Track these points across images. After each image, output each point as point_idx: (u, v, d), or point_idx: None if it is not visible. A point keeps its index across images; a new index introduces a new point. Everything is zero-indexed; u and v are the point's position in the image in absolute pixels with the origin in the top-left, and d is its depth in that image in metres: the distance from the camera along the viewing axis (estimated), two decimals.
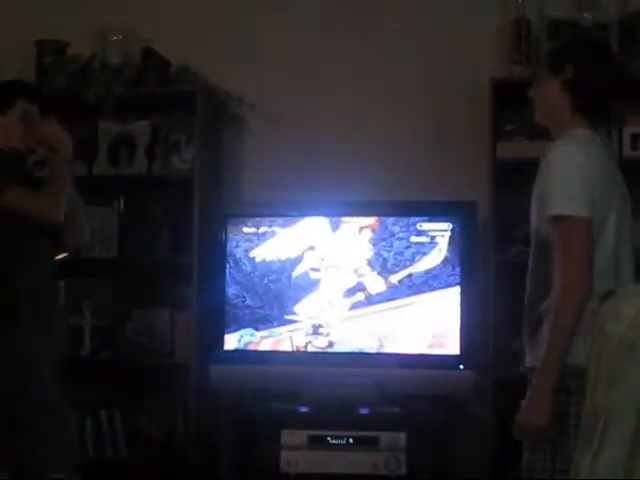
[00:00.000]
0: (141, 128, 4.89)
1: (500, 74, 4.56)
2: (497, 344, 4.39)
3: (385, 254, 4.44)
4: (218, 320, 4.55)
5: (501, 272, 4.38)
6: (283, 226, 4.55)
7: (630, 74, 4.33)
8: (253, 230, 4.56)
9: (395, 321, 4.42)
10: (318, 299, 4.49)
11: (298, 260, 4.51)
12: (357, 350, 4.46)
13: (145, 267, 4.95)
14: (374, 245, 4.46)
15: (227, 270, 4.54)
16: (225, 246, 4.55)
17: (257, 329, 4.53)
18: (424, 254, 4.41)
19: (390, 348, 4.42)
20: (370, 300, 4.45)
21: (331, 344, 4.48)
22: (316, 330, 4.48)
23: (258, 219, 4.57)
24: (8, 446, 3.41)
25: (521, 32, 4.56)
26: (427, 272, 4.40)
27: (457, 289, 4.37)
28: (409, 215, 4.45)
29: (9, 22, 5.15)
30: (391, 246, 4.44)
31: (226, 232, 4.56)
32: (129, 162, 4.87)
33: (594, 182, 2.81)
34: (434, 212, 4.46)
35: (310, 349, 4.49)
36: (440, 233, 4.41)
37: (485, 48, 4.76)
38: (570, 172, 2.81)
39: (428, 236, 4.41)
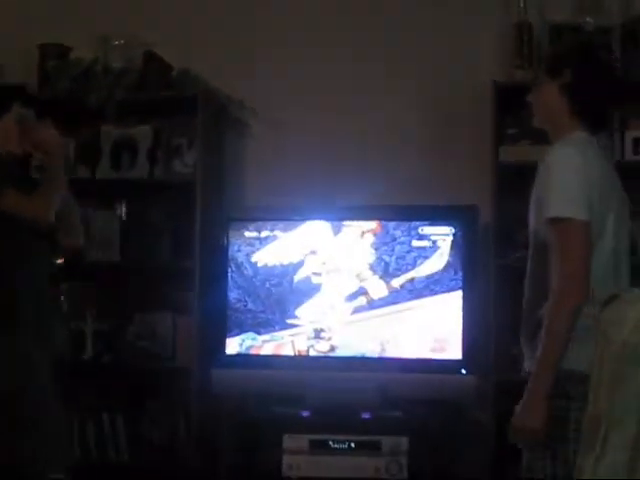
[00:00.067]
0: (143, 132, 4.89)
1: (502, 78, 4.56)
2: (499, 348, 4.38)
3: (387, 258, 4.44)
4: (220, 324, 4.55)
5: (503, 276, 4.37)
6: (285, 230, 4.55)
7: (632, 78, 4.33)
8: (255, 234, 4.56)
9: (397, 325, 4.42)
10: (320, 303, 4.49)
11: (300, 264, 4.51)
12: (359, 354, 4.45)
13: (147, 271, 4.95)
14: (376, 249, 4.46)
15: (229, 274, 4.54)
16: (227, 250, 4.55)
17: (259, 333, 4.53)
18: (426, 258, 4.41)
19: (392, 352, 4.42)
20: (372, 304, 4.45)
21: (333, 348, 4.47)
22: (318, 334, 4.48)
23: (260, 223, 4.57)
24: (8, 446, 3.41)
25: (523, 36, 4.55)
26: (429, 276, 4.39)
27: (459, 293, 4.36)
28: (411, 219, 4.44)
29: (12, 26, 5.16)
30: (393, 250, 4.43)
31: (228, 236, 4.56)
32: (131, 166, 4.87)
33: (592, 185, 2.82)
34: (436, 216, 4.46)
35: (312, 353, 4.49)
36: (442, 237, 4.40)
37: (487, 52, 4.77)
38: (568, 175, 2.81)
39: (430, 240, 4.41)
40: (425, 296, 4.39)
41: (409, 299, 4.41)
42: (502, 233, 4.46)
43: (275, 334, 4.51)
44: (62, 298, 4.83)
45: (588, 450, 2.31)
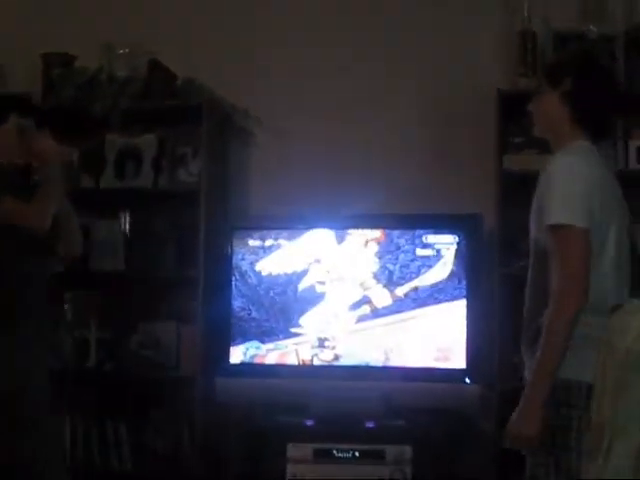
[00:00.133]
0: (147, 141, 4.90)
1: (506, 86, 4.56)
2: (502, 358, 4.37)
3: (391, 267, 4.44)
4: (224, 333, 4.55)
5: (507, 285, 4.36)
6: (289, 239, 4.55)
7: (636, 86, 4.33)
8: (259, 243, 4.56)
9: (401, 334, 4.41)
10: (324, 312, 4.49)
11: (304, 273, 4.51)
12: (363, 363, 4.45)
13: (151, 280, 4.95)
14: (380, 258, 4.45)
15: (233, 283, 4.54)
16: (231, 259, 4.55)
17: (263, 342, 4.52)
18: (430, 267, 4.40)
19: (396, 361, 4.41)
20: (376, 313, 4.44)
21: (337, 357, 4.47)
22: (322, 343, 4.48)
23: (264, 232, 4.57)
24: (8, 446, 3.42)
25: (527, 44, 4.55)
26: (433, 285, 4.39)
27: (463, 302, 4.36)
28: (415, 228, 4.44)
29: (16, 35, 5.17)
30: (397, 259, 4.43)
31: (232, 245, 4.56)
32: (135, 175, 4.87)
33: (593, 194, 2.83)
34: (440, 225, 4.46)
35: (316, 362, 4.48)
36: (446, 246, 4.40)
37: (491, 60, 4.77)
38: (569, 183, 2.82)
39: (434, 249, 4.41)
40: (429, 305, 4.39)
41: (413, 308, 4.40)
42: (506, 242, 4.45)
43: (279, 343, 4.51)
44: (66, 306, 4.84)
45: (592, 459, 2.31)
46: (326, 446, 4.26)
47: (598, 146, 3.04)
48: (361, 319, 4.46)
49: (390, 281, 4.43)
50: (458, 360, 4.35)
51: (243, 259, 4.55)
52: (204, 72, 4.87)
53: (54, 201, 3.56)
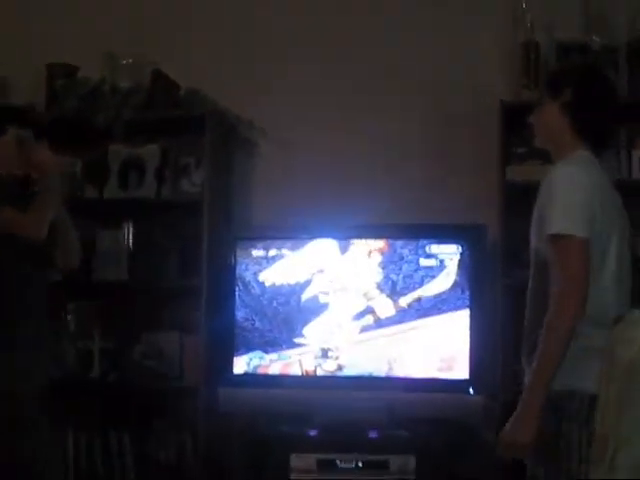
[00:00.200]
0: (151, 151, 4.90)
1: (509, 97, 4.56)
2: (506, 368, 4.36)
3: (394, 277, 4.44)
4: (227, 343, 4.54)
5: (510, 296, 4.35)
6: (292, 249, 4.55)
7: (639, 96, 4.33)
8: (262, 253, 4.56)
9: (404, 344, 4.41)
10: (327, 322, 4.49)
11: (307, 283, 4.51)
12: (366, 373, 4.45)
13: (154, 290, 4.95)
14: (383, 268, 4.45)
15: (236, 293, 4.54)
16: (234, 269, 4.55)
17: (266, 352, 4.52)
18: (433, 277, 4.40)
19: (399, 372, 4.41)
20: (379, 323, 4.44)
21: (340, 367, 4.47)
22: (325, 353, 4.48)
23: (267, 242, 4.57)
24: (8, 446, 3.42)
25: (530, 55, 4.56)
26: (436, 295, 4.39)
27: (466, 312, 4.36)
28: (418, 238, 4.44)
29: (20, 45, 5.18)
30: (400, 269, 4.43)
31: (235, 255, 4.56)
32: (138, 185, 4.88)
33: (594, 204, 2.83)
34: (443, 235, 4.46)
35: (319, 372, 4.48)
36: (449, 256, 4.40)
37: (494, 71, 4.77)
38: (570, 193, 2.83)
39: (437, 259, 4.41)
40: (432, 315, 4.39)
41: (416, 318, 4.40)
42: (509, 252, 4.45)
43: (282, 353, 4.51)
44: (69, 317, 4.85)
45: (595, 470, 2.31)
46: (329, 456, 4.25)
47: (600, 156, 3.05)
48: (364, 329, 4.46)
49: (393, 291, 4.43)
50: (461, 370, 4.35)
51: (246, 269, 4.55)
52: (208, 83, 4.87)
53: (51, 210, 3.58)
